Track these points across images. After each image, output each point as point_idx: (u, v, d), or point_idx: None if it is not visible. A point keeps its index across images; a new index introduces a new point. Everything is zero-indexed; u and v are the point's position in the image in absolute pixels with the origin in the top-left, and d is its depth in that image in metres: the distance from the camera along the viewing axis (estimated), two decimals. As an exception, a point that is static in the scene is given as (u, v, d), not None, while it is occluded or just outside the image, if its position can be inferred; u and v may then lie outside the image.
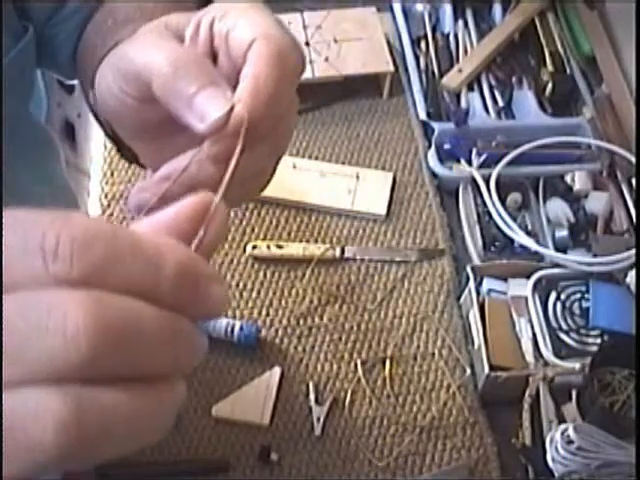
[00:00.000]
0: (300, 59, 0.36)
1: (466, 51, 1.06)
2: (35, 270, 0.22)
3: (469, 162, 0.94)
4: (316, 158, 1.00)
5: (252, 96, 0.34)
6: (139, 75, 0.36)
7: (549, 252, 0.87)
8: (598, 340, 0.81)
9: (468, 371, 0.83)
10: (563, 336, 0.81)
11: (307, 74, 1.02)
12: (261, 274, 0.90)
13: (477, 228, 0.91)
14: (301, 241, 0.93)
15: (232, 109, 0.34)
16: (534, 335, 0.80)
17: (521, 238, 0.88)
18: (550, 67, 1.04)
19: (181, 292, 0.24)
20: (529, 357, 0.79)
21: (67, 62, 0.53)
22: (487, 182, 0.91)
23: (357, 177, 0.97)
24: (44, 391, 0.21)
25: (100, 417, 0.22)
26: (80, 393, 0.22)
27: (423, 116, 1.01)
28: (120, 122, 0.42)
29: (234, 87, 0.35)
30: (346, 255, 0.91)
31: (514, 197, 0.93)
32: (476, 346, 0.82)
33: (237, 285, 0.89)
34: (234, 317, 0.86)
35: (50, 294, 0.22)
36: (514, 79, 1.04)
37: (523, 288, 0.84)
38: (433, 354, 0.85)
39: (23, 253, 0.22)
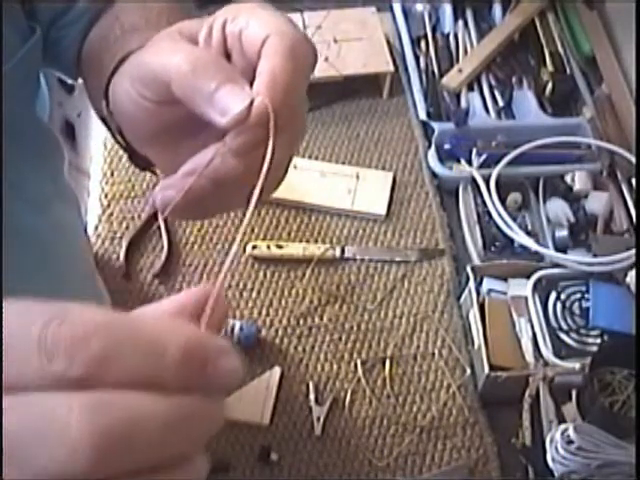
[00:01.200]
0: (312, 52, 0.38)
1: (466, 51, 1.06)
2: (35, 369, 0.22)
3: (469, 162, 0.94)
4: (316, 158, 1.00)
5: (270, 87, 0.35)
6: (157, 77, 0.37)
7: (549, 252, 0.87)
8: (598, 340, 0.81)
9: (468, 371, 0.83)
10: (563, 336, 0.81)
11: (307, 74, 1.02)
12: (261, 274, 0.90)
13: (477, 228, 0.91)
14: (301, 241, 0.93)
15: (252, 102, 0.35)
16: (534, 335, 0.80)
17: (521, 238, 0.88)
18: (550, 67, 1.04)
19: (188, 374, 0.24)
20: (529, 357, 0.79)
21: (71, 64, 0.53)
22: (487, 182, 0.91)
23: (357, 177, 0.97)
24: None
25: None
26: None
27: (423, 116, 1.01)
28: (137, 127, 0.42)
29: (250, 84, 0.36)
30: (346, 255, 0.91)
31: (514, 197, 0.93)
32: (476, 346, 0.82)
33: (237, 285, 0.89)
34: (234, 317, 0.86)
35: (50, 400, 0.22)
36: (514, 79, 1.04)
37: (523, 288, 0.84)
38: (433, 354, 0.85)
39: (23, 351, 0.22)
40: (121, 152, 1.08)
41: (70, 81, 0.59)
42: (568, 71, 1.05)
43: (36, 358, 0.22)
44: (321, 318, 0.87)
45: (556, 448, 0.68)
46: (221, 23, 0.39)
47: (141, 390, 0.23)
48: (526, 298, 0.83)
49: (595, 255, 0.87)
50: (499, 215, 0.90)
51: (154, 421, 0.22)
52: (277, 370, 0.82)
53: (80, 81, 0.57)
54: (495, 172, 0.92)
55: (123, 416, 0.22)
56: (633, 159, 0.94)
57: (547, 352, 0.79)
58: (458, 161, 0.96)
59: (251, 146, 0.36)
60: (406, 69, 1.06)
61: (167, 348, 0.23)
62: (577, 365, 0.75)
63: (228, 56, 0.39)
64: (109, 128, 0.46)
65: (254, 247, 0.90)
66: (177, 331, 0.24)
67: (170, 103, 0.37)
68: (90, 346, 0.22)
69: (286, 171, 0.41)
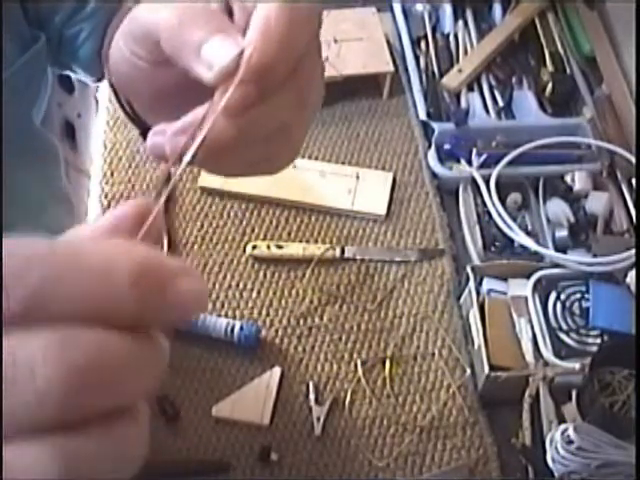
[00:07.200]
0: (315, 7, 0.33)
1: (466, 51, 1.06)
2: None
3: (469, 162, 0.94)
4: (316, 158, 1.00)
5: (263, 37, 0.31)
6: (148, 34, 0.35)
7: (549, 252, 0.87)
8: (598, 340, 0.81)
9: (468, 371, 0.83)
10: (563, 336, 0.81)
11: (307, 74, 1.02)
12: (261, 274, 0.90)
13: (477, 228, 0.91)
14: (301, 241, 0.93)
15: (242, 53, 0.31)
16: (534, 335, 0.80)
17: (521, 238, 0.88)
18: (550, 67, 1.04)
19: (145, 298, 0.21)
20: (529, 357, 0.79)
21: (90, 60, 0.53)
22: (487, 182, 0.91)
23: (357, 177, 0.97)
24: (33, 445, 0.20)
25: (87, 461, 0.21)
26: (63, 442, 0.21)
27: (423, 116, 1.01)
28: (135, 91, 0.40)
29: None
30: (346, 255, 0.91)
31: (514, 197, 0.93)
32: (476, 346, 0.82)
33: (237, 285, 0.89)
34: (234, 317, 0.86)
35: (10, 343, 0.20)
36: (514, 79, 1.04)
37: (523, 288, 0.84)
38: (433, 354, 0.85)
39: None
40: (121, 152, 1.08)
41: (92, 82, 0.58)
42: (568, 71, 1.05)
43: None
44: (321, 318, 0.87)
45: (556, 448, 0.68)
46: None
47: (97, 323, 0.21)
48: (526, 298, 0.83)
49: (595, 255, 0.87)
50: (499, 215, 0.90)
51: (114, 358, 0.21)
52: (277, 370, 0.82)
53: (85, 79, 0.57)
54: (495, 172, 0.92)
55: (84, 354, 0.20)
56: (633, 159, 0.94)
57: (547, 352, 0.79)
58: (458, 161, 0.96)
59: (242, 104, 0.31)
60: (406, 69, 1.06)
61: (115, 271, 0.21)
62: (577, 365, 0.75)
63: (230, 11, 0.36)
64: (118, 99, 0.44)
65: (254, 247, 0.90)
66: (125, 252, 0.22)
67: (164, 64, 0.35)
68: (26, 278, 0.20)
69: (301, 140, 0.37)
